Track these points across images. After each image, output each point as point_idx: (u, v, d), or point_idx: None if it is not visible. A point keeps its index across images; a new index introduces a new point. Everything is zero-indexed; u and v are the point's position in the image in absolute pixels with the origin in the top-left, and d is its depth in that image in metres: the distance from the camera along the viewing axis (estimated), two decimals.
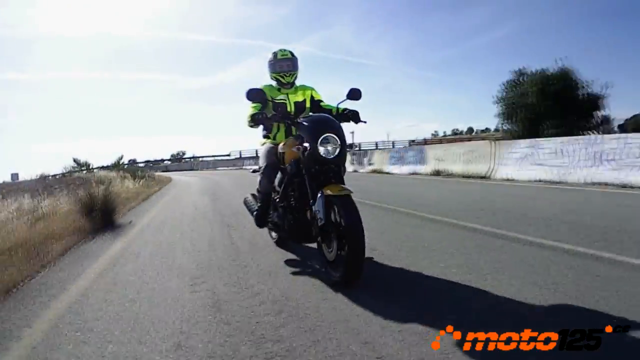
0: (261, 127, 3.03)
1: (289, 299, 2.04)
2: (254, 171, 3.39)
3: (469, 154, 9.43)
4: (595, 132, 12.85)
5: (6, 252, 3.10)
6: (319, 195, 2.26)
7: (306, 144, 2.38)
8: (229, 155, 36.13)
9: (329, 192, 2.21)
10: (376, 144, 29.20)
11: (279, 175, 2.87)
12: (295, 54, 2.99)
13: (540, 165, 7.40)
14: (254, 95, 2.64)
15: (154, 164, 34.27)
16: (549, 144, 7.48)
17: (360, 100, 2.78)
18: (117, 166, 18.21)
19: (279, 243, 3.22)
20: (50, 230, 3.92)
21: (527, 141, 8.27)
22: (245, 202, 3.42)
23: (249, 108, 2.84)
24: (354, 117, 2.88)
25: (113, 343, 1.66)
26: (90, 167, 24.19)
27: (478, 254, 2.64)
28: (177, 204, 6.96)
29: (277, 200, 2.86)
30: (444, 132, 53.02)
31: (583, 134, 9.61)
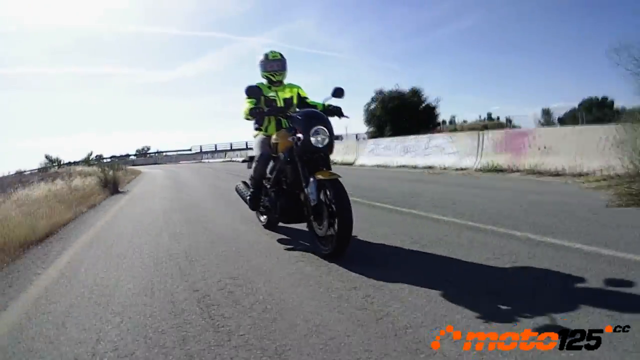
0: (252, 120, 3.37)
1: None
2: (244, 161, 3.88)
3: (345, 148, 13.60)
4: (432, 132, 16.90)
5: (75, 201, 6.36)
6: (311, 179, 2.64)
7: (299, 135, 2.73)
8: (190, 150, 39.97)
9: (320, 176, 2.59)
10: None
11: (270, 163, 3.24)
12: (283, 54, 3.34)
13: (378, 156, 11.56)
14: (252, 91, 3.01)
15: (120, 159, 34.82)
16: (383, 142, 12.02)
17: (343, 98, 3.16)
18: (87, 162, 19.23)
19: (268, 226, 3.61)
20: (90, 194, 7.50)
21: (372, 140, 13.88)
22: (237, 190, 3.81)
23: (245, 103, 3.18)
24: (338, 112, 3.25)
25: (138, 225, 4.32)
26: (62, 163, 25.18)
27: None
28: (151, 184, 11.02)
29: (268, 186, 3.24)
30: None
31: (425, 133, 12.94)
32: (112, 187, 8.42)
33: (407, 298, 1.91)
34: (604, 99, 30.46)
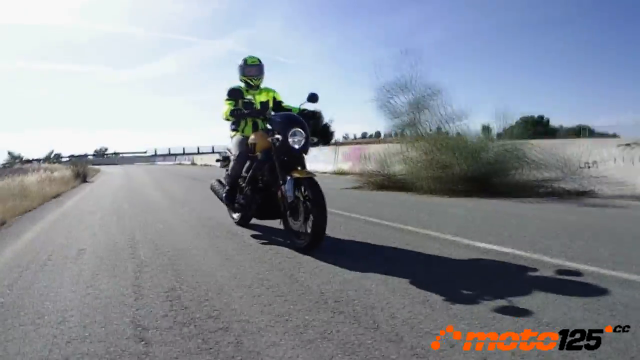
0: (230, 121, 3.56)
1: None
2: (217, 160, 4.08)
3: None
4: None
5: (63, 183, 9.69)
6: (288, 178, 2.81)
7: (278, 136, 2.90)
8: (145, 152, 43.99)
9: (296, 175, 2.78)
10: None
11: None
12: (262, 60, 3.56)
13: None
14: (234, 93, 3.24)
15: (78, 159, 35.86)
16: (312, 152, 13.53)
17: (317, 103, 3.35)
18: (49, 159, 19.99)
19: (240, 223, 3.73)
20: (69, 181, 10.70)
21: None
22: (212, 188, 3.94)
23: (224, 104, 3.40)
24: (312, 116, 3.48)
25: (105, 197, 7.72)
26: (24, 160, 25.62)
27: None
28: (110, 177, 15.06)
29: (243, 184, 3.37)
30: (363, 134, 53.61)
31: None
32: (82, 177, 12.30)
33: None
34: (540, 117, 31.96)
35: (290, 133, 2.86)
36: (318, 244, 2.69)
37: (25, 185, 7.53)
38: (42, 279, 2.37)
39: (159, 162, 35.87)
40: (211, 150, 33.00)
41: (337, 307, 1.81)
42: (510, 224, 3.61)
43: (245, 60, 3.50)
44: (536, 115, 31.55)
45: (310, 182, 2.72)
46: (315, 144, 8.96)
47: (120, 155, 44.27)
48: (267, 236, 3.32)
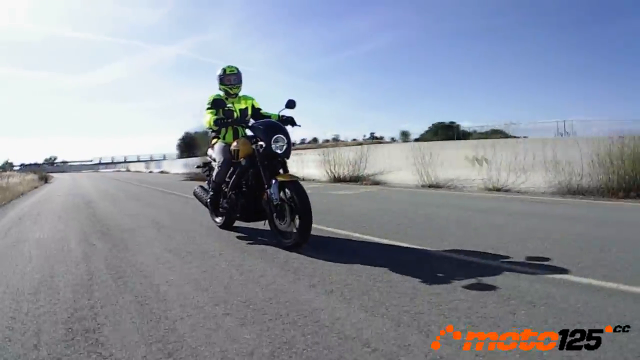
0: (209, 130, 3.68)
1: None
2: (198, 167, 4.19)
3: None
4: None
5: (32, 182, 15.48)
6: (273, 181, 2.95)
7: (261, 143, 3.07)
8: (91, 161, 49.05)
9: (281, 178, 2.94)
10: None
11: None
12: (223, 70, 3.63)
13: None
14: (218, 103, 3.39)
15: (28, 167, 37.84)
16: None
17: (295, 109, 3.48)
18: (3, 168, 21.69)
19: (224, 226, 3.82)
20: (37, 181, 16.75)
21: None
22: (195, 194, 4.11)
23: (206, 113, 3.51)
24: (291, 121, 3.59)
25: (62, 188, 14.35)
26: None
27: None
28: (62, 181, 18.87)
29: (226, 189, 3.46)
30: (302, 140, 54.66)
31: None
32: (45, 180, 18.05)
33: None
34: (452, 122, 36.24)
35: (273, 139, 3.03)
36: (305, 242, 2.85)
37: (11, 184, 12.50)
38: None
39: (101, 170, 40.92)
40: (137, 160, 39.33)
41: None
42: None
43: (224, 70, 3.64)
44: (447, 121, 35.92)
45: (295, 185, 2.87)
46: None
47: (69, 164, 48.57)
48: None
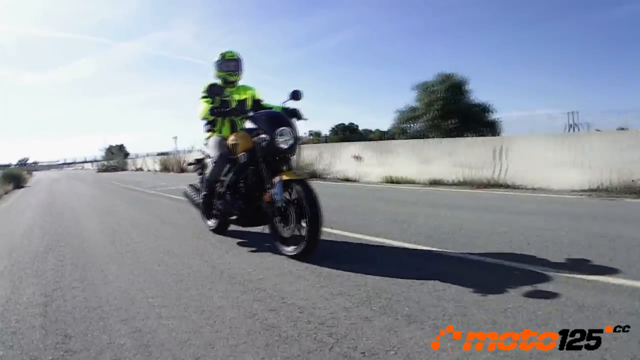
0: (204, 121, 3.30)
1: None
2: (190, 164, 3.77)
3: None
4: None
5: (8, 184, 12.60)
6: (277, 180, 2.59)
7: (264, 136, 2.71)
8: (58, 161, 59.00)
9: (286, 177, 2.57)
10: None
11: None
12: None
13: None
14: (214, 90, 2.96)
15: (4, 168, 40.96)
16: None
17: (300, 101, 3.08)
18: None
19: (216, 230, 3.48)
20: (6, 186, 12.06)
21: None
22: (186, 194, 3.72)
23: (201, 102, 3.14)
24: (296, 114, 3.13)
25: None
26: None
27: None
28: (38, 176, 23.00)
29: (221, 189, 3.10)
30: None
31: None
32: (30, 174, 21.16)
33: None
34: (351, 124, 43.27)
35: (277, 132, 2.67)
36: (313, 250, 2.50)
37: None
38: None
39: (65, 169, 49.89)
40: (85, 160, 50.64)
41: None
42: None
43: (222, 55, 3.25)
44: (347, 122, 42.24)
45: (302, 185, 2.52)
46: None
47: (39, 164, 57.68)
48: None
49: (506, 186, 6.01)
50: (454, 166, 6.85)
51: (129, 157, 35.49)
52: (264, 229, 2.84)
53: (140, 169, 23.91)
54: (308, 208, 2.44)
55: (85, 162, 49.54)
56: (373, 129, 40.01)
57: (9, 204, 7.98)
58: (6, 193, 10.53)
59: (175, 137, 47.96)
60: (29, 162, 57.76)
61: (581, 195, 4.94)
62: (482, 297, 1.85)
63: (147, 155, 30.23)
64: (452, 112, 13.22)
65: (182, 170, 16.11)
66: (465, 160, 6.74)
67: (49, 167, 54.22)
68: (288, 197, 2.62)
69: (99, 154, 44.89)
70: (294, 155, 2.80)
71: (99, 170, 27.77)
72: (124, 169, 26.92)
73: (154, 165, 21.42)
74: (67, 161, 58.67)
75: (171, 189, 8.21)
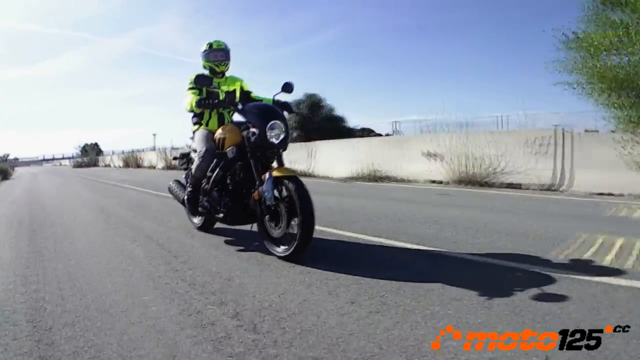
0: (191, 114, 3.16)
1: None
2: (175, 158, 3.68)
3: None
4: None
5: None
6: (267, 177, 2.47)
7: (254, 130, 2.58)
8: (37, 157, 60.61)
9: (277, 173, 2.46)
10: None
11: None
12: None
13: None
14: (202, 80, 2.85)
15: None
16: None
17: (292, 93, 3.03)
18: None
19: (202, 228, 3.40)
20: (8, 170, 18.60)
21: None
22: (170, 190, 3.55)
23: (188, 94, 3.01)
24: (287, 107, 3.05)
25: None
26: None
27: None
28: (20, 171, 24.99)
29: (207, 186, 2.98)
30: None
31: None
32: (12, 169, 21.28)
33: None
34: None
35: (268, 126, 2.54)
36: (305, 250, 2.39)
37: None
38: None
39: (45, 164, 51.42)
40: (63, 157, 52.25)
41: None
42: None
43: (210, 45, 3.13)
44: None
45: (294, 181, 2.41)
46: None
47: (20, 160, 59.43)
48: None
49: (315, 176, 9.09)
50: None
51: (101, 154, 38.77)
52: (253, 227, 2.75)
53: (108, 165, 27.63)
54: (300, 206, 2.33)
55: (63, 158, 51.06)
56: None
57: (4, 188, 10.99)
58: (3, 180, 14.49)
59: (155, 135, 48.92)
60: (9, 157, 58.87)
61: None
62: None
63: (113, 153, 33.91)
64: (311, 124, 16.42)
65: (139, 166, 21.27)
66: (291, 158, 8.03)
67: (29, 163, 55.86)
68: (278, 194, 2.50)
69: (75, 151, 48.11)
70: (285, 150, 2.68)
71: (74, 166, 31.35)
72: (95, 165, 30.58)
73: (118, 162, 25.52)
74: (46, 157, 61.23)
75: (120, 178, 12.22)
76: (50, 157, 60.21)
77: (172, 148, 18.41)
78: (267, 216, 2.53)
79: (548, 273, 2.14)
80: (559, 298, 1.79)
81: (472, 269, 2.30)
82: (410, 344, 1.43)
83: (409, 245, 2.80)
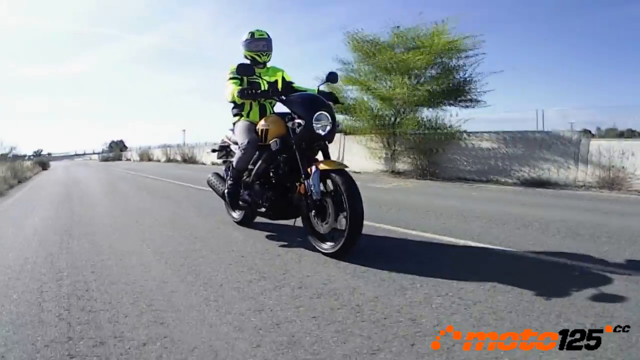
0: (231, 105, 3.10)
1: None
2: (213, 150, 3.62)
3: None
4: None
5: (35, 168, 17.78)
6: (313, 170, 2.37)
7: (299, 121, 2.49)
8: (69, 152, 63.64)
9: (325, 166, 2.36)
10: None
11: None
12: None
13: None
14: (245, 69, 2.73)
15: (18, 158, 44.54)
16: None
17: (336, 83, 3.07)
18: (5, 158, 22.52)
19: (242, 222, 3.37)
20: (38, 167, 18.74)
21: None
22: (209, 182, 3.47)
23: (229, 84, 2.94)
24: (332, 98, 2.95)
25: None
26: None
27: None
28: (55, 166, 23.83)
29: (249, 179, 2.93)
30: None
31: None
32: (48, 163, 23.03)
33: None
34: None
35: (314, 117, 2.42)
36: (353, 247, 2.31)
37: (27, 166, 16.11)
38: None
39: (76, 159, 55.34)
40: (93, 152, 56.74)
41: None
42: None
43: (252, 34, 3.04)
44: None
45: (342, 175, 2.31)
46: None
47: (52, 155, 62.43)
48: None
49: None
50: None
51: (125, 150, 42.68)
52: (295, 222, 2.69)
53: (129, 159, 32.94)
54: (348, 201, 2.24)
55: (93, 153, 56.22)
56: None
57: (44, 177, 13.20)
58: (42, 170, 18.21)
59: (184, 130, 50.37)
60: (42, 153, 62.40)
61: None
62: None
63: (133, 149, 38.70)
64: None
65: (149, 160, 26.22)
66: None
67: (61, 158, 60.28)
68: (324, 188, 2.42)
69: (104, 147, 54.71)
70: (331, 142, 2.58)
71: (101, 160, 37.17)
72: (119, 159, 35.31)
73: (135, 157, 31.24)
74: (78, 153, 66.26)
75: (133, 168, 16.41)
76: (82, 152, 65.52)
77: (167, 146, 24.52)
78: (314, 211, 2.44)
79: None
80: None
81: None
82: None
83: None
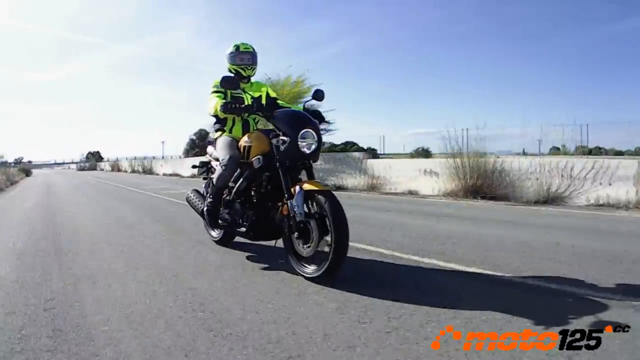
0: (213, 120, 2.98)
1: None
2: (194, 166, 3.46)
3: None
4: None
5: (19, 175, 19.48)
6: (297, 190, 2.25)
7: (284, 138, 2.37)
8: (49, 161, 66.10)
9: (309, 187, 2.23)
10: None
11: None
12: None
13: None
14: (229, 82, 2.58)
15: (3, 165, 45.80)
16: None
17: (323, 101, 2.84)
18: None
19: (221, 242, 3.17)
20: (22, 174, 21.21)
21: None
22: (188, 200, 3.28)
23: (212, 97, 2.81)
24: (318, 116, 2.78)
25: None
26: None
27: None
28: (36, 172, 29.48)
29: (228, 197, 2.77)
30: None
31: None
32: (29, 171, 26.20)
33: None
34: None
35: (300, 135, 2.32)
36: (337, 272, 2.14)
37: (12, 172, 17.78)
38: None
39: (55, 167, 56.93)
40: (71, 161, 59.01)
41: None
42: None
43: (237, 47, 2.94)
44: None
45: (327, 197, 2.18)
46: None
47: (33, 162, 63.63)
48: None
49: None
50: None
51: (101, 160, 45.70)
52: (276, 242, 2.55)
53: (102, 169, 35.92)
54: (333, 224, 2.11)
55: (72, 162, 59.65)
56: None
57: (28, 181, 15.81)
58: (26, 176, 20.22)
59: (163, 142, 49.81)
60: (23, 160, 63.07)
61: None
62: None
63: (108, 160, 41.83)
64: None
65: (119, 170, 29.21)
66: None
67: (41, 166, 61.67)
68: (307, 210, 2.30)
69: (81, 157, 57.65)
70: (316, 161, 2.47)
71: (78, 170, 40.09)
72: (94, 169, 38.50)
73: (107, 167, 34.88)
74: (57, 162, 68.62)
75: (101, 177, 19.25)
76: (61, 161, 67.95)
77: (133, 158, 27.86)
78: (296, 233, 2.29)
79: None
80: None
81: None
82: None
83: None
